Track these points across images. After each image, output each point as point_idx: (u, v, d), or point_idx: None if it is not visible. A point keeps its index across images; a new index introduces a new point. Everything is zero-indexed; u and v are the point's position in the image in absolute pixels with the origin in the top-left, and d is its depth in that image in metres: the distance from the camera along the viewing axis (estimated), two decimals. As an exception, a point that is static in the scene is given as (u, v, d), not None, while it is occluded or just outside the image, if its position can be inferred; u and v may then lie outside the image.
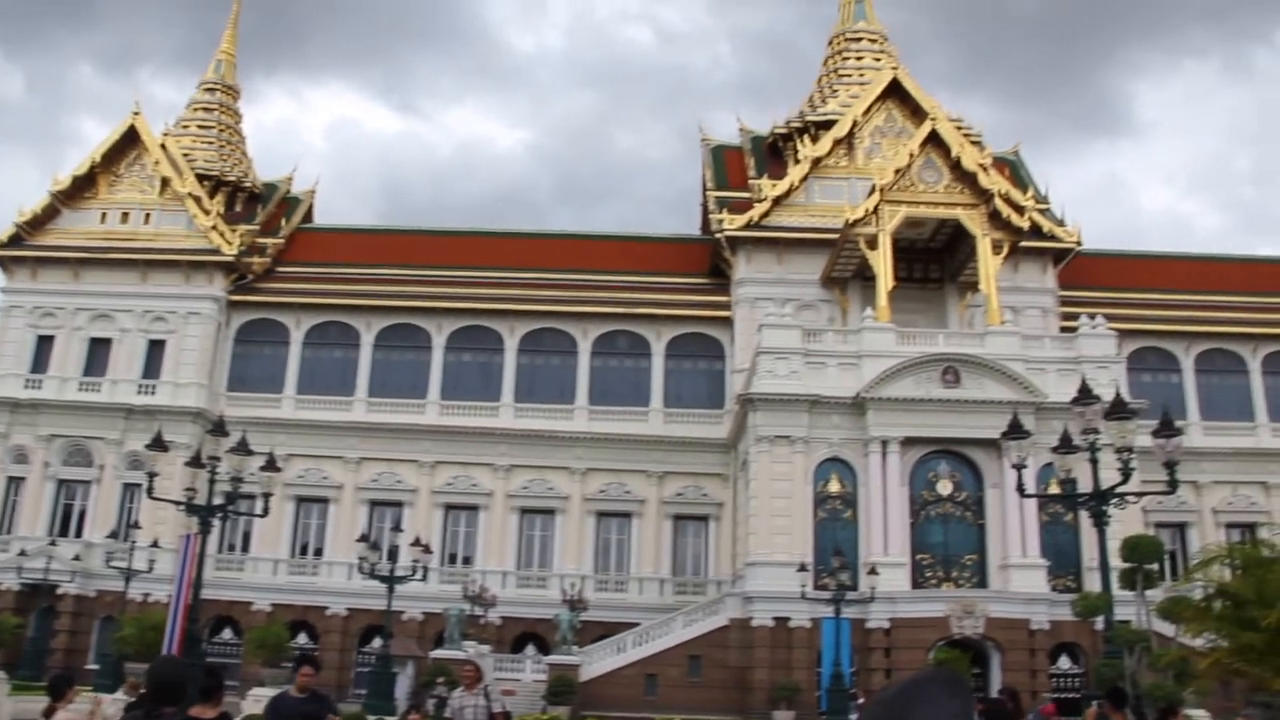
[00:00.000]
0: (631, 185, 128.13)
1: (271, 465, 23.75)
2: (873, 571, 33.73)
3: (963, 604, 34.71)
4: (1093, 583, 32.52)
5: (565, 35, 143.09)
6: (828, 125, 47.01)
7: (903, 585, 35.41)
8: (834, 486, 37.25)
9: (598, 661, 35.83)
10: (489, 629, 39.39)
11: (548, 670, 34.94)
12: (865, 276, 42.03)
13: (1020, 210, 42.34)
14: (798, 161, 46.45)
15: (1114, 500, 16.62)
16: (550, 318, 45.70)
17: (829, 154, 46.05)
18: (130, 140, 48.32)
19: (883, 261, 39.63)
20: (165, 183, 47.34)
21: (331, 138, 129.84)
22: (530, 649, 40.01)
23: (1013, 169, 50.31)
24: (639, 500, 43.64)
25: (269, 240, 48.45)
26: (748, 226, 44.52)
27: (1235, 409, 45.45)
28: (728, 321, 45.22)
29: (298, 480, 43.38)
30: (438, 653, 34.62)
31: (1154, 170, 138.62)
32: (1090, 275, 47.19)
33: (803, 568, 33.30)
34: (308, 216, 53.06)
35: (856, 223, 40.07)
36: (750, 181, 47.66)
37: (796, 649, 34.90)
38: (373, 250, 49.30)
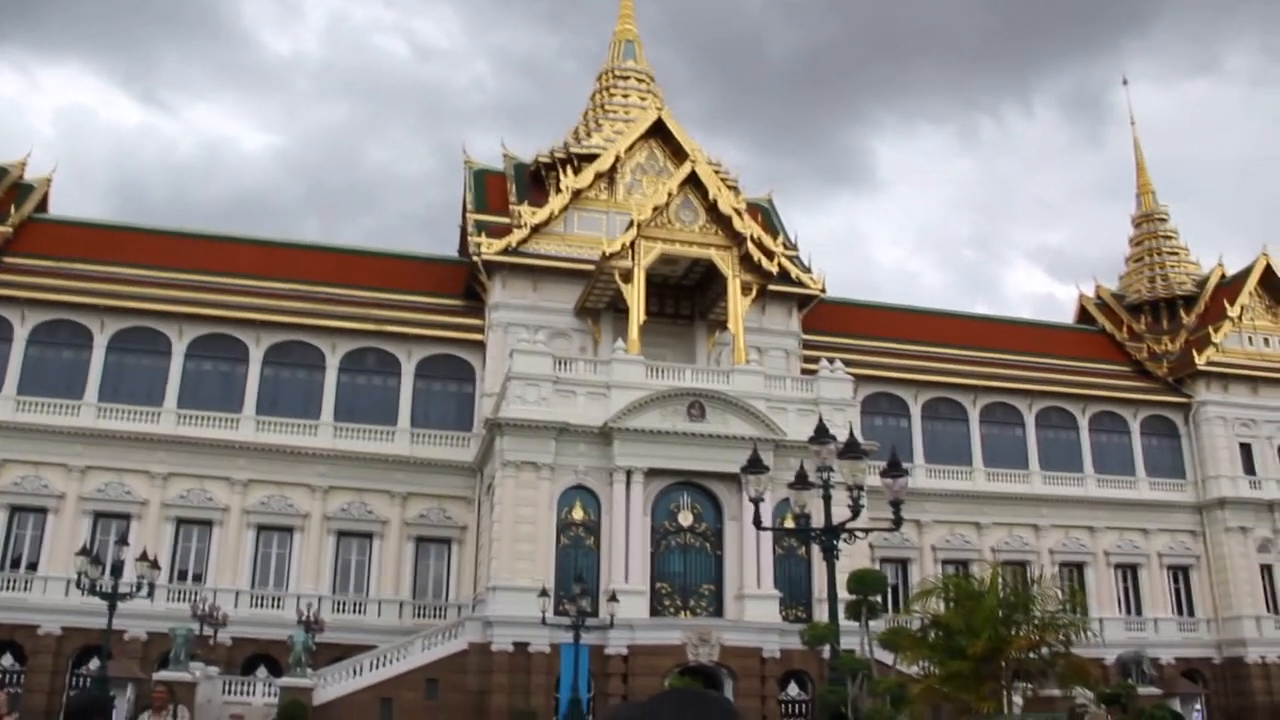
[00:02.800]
0: (383, 200, 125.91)
1: (-15, 471, 22.12)
2: (613, 599, 34.24)
3: (699, 632, 35.67)
4: (822, 614, 33.98)
5: (321, 41, 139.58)
6: (591, 158, 47.72)
7: (642, 613, 36.07)
8: (578, 514, 37.63)
9: (333, 685, 34.81)
10: (219, 650, 37.68)
11: (279, 693, 33.68)
12: (618, 309, 42.83)
13: (770, 255, 44.11)
14: (559, 191, 46.89)
15: (843, 535, 17.50)
16: (298, 330, 44.28)
17: (590, 186, 46.75)
18: None
19: (636, 295, 40.50)
20: (-123, 160, 43.55)
21: (62, 122, 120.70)
22: (262, 671, 38.50)
23: (765, 215, 52.40)
24: (381, 521, 42.80)
25: (-6, 229, 45.09)
26: (505, 252, 44.60)
27: (955, 454, 48.75)
28: (480, 345, 45.09)
29: (12, 487, 40.25)
30: (161, 674, 32.92)
31: (888, 226, 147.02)
32: (831, 321, 49.71)
33: (544, 593, 33.42)
34: (41, 206, 49.66)
35: (613, 256, 40.81)
36: (511, 207, 47.79)
37: (535, 674, 34.98)
38: (112, 247, 46.55)
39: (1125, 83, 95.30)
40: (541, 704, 34.23)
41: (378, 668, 35.63)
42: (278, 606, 40.81)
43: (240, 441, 42.24)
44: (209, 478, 41.82)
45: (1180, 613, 50.04)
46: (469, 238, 47.04)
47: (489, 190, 50.58)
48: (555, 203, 46.17)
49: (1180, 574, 50.61)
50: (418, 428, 44.26)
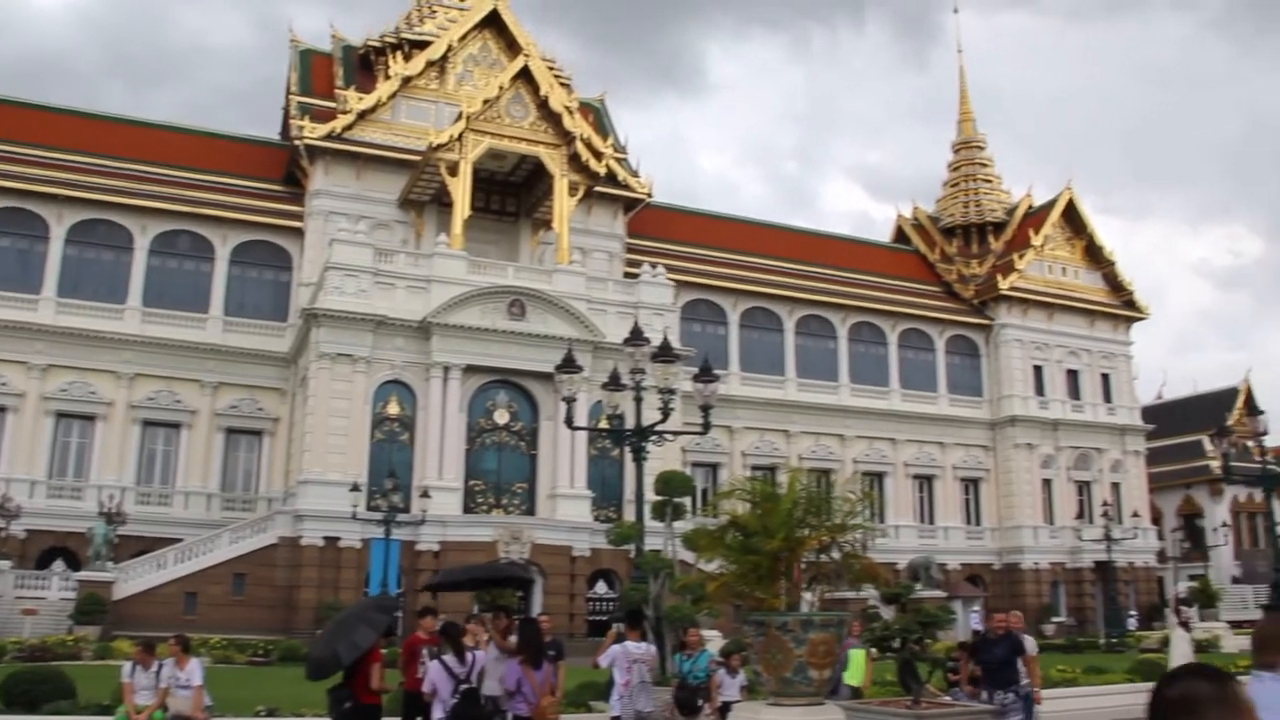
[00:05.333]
0: (195, 73, 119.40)
1: None
2: (425, 495, 34.25)
3: (511, 530, 36.06)
4: (633, 514, 34.74)
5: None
6: (423, 45, 46.45)
7: (455, 510, 36.24)
8: (393, 408, 37.36)
9: (135, 578, 33.98)
10: (11, 542, 36.18)
11: (77, 587, 32.72)
12: (443, 202, 42.18)
13: (599, 156, 43.97)
14: (388, 78, 45.59)
15: (653, 437, 17.84)
16: (105, 208, 41.98)
17: (421, 75, 45.58)
18: None
19: (462, 189, 39.95)
20: None
21: None
22: (59, 564, 37.18)
23: (596, 115, 52.05)
24: (190, 410, 41.55)
25: None
26: (329, 137, 43.24)
27: (770, 363, 49.91)
28: (299, 233, 43.80)
29: None
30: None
31: (714, 133, 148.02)
32: (655, 226, 50.01)
33: (355, 488, 33.19)
34: None
35: (440, 147, 40.07)
36: (337, 91, 46.22)
37: (345, 569, 34.90)
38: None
39: (956, 11, 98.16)
40: (351, 599, 34.02)
41: (183, 561, 34.97)
42: (77, 498, 39.36)
43: (39, 324, 40.13)
44: (3, 361, 39.70)
45: (969, 522, 53.06)
46: (292, 120, 45.44)
47: (315, 72, 48.74)
48: (383, 89, 44.90)
49: (971, 486, 53.54)
50: (231, 316, 42.91)
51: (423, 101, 45.67)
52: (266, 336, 42.93)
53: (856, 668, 14.46)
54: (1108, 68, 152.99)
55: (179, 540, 36.43)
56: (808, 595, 11.88)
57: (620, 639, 13.35)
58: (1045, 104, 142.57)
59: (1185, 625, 27.32)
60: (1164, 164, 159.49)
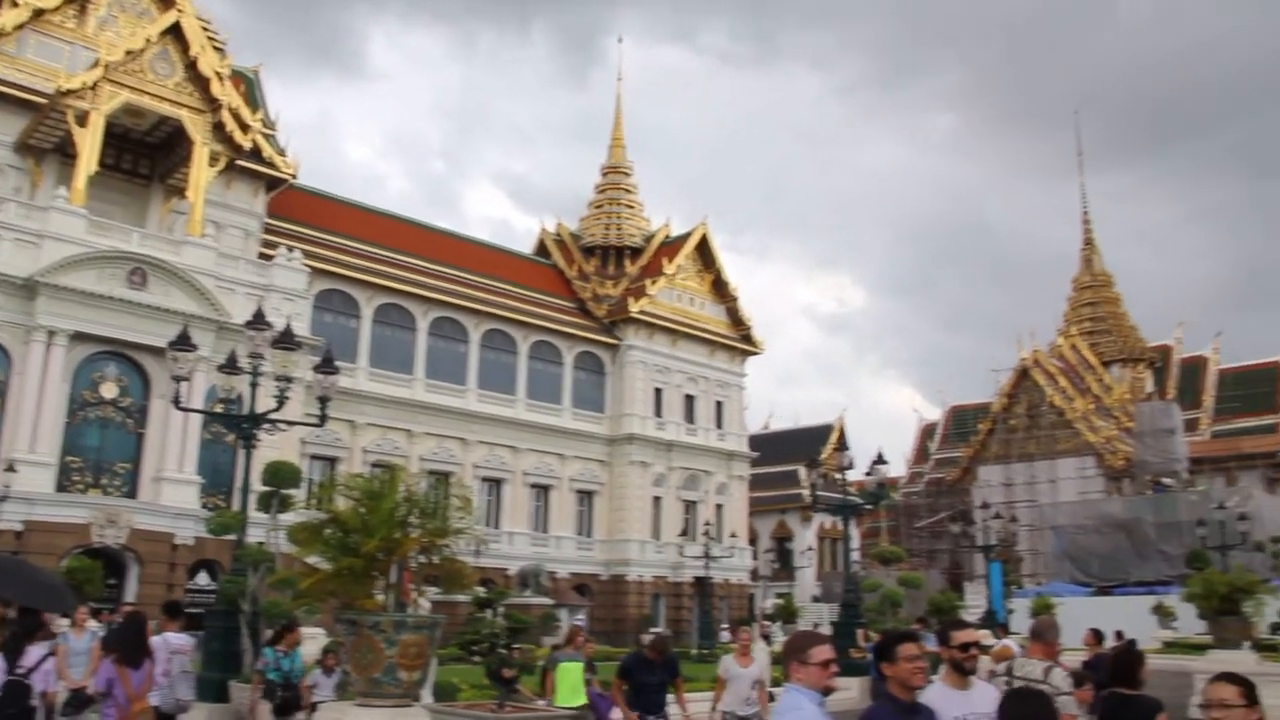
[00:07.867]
0: None
1: None
2: (10, 468, 31.67)
3: (107, 512, 33.95)
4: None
5: None
6: (61, -20, 42.89)
7: (46, 487, 33.70)
8: (-17, 372, 34.35)
9: None
10: None
11: None
12: (67, 153, 39.12)
13: (246, 129, 42.28)
14: (16, 5, 41.73)
15: (266, 425, 17.44)
16: None
17: (57, 10, 41.73)
18: None
19: (90, 142, 37.33)
20: None
21: None
22: None
23: (249, 86, 49.89)
24: None
25: None
26: (-63, 63, 39.15)
27: (401, 361, 49.38)
28: (-108, 166, 39.36)
29: None
30: None
31: (365, 122, 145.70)
32: (297, 209, 48.61)
33: (-73, 454, 30.28)
34: None
35: (70, 93, 37.24)
36: (-47, 16, 41.91)
37: (-100, 546, 31.64)
38: None
39: (620, 40, 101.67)
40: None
41: None
42: None
43: None
44: None
45: (581, 533, 54.81)
46: (-109, 38, 40.68)
47: (-77, -10, 43.80)
48: (9, 17, 40.68)
49: (586, 498, 55.38)
50: None
51: (57, 40, 42.07)
52: None
53: (570, 686, 13.14)
54: (751, 114, 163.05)
55: None
56: (419, 598, 12.00)
57: (160, 631, 12.90)
58: (693, 141, 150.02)
59: (767, 638, 29.61)
60: (787, 212, 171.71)
